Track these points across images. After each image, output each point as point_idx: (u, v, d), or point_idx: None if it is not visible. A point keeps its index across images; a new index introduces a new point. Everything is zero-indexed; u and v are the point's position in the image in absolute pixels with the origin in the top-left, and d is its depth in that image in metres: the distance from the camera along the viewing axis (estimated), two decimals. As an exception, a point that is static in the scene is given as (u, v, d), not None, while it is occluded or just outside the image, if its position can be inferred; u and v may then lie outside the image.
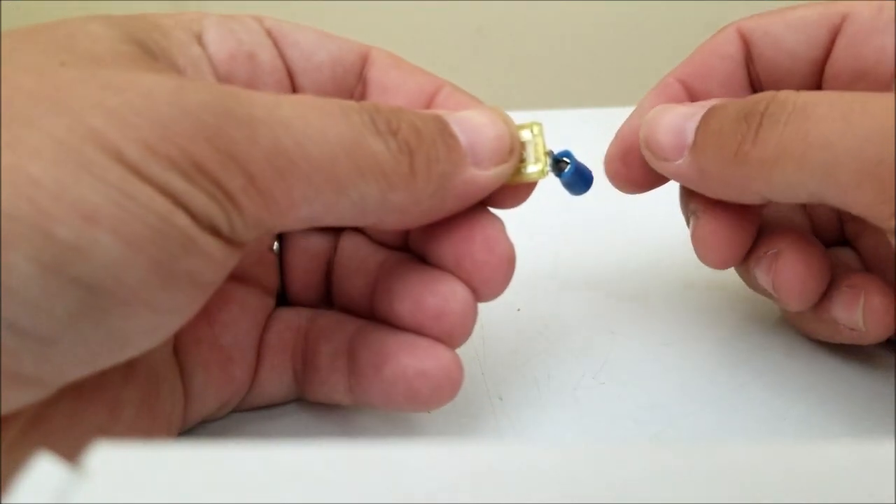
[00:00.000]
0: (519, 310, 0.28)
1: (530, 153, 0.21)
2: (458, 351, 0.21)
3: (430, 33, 0.93)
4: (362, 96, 0.23)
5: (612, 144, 0.25)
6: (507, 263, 0.20)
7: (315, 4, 0.84)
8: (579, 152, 0.23)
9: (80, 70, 0.16)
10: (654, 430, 0.23)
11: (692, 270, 0.29)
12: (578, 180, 0.23)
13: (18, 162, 0.14)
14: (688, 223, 0.25)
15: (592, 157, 0.25)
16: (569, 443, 0.22)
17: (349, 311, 0.23)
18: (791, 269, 0.23)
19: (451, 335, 0.20)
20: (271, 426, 0.23)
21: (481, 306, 0.21)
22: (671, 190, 0.25)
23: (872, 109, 0.18)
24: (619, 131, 0.25)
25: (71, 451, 0.11)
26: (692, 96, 0.25)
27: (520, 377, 0.25)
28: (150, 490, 0.10)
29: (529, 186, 0.22)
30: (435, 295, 0.20)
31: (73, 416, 0.17)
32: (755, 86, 0.25)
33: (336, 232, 0.24)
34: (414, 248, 0.23)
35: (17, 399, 0.15)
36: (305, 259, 0.24)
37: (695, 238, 0.24)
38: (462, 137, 0.20)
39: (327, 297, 0.24)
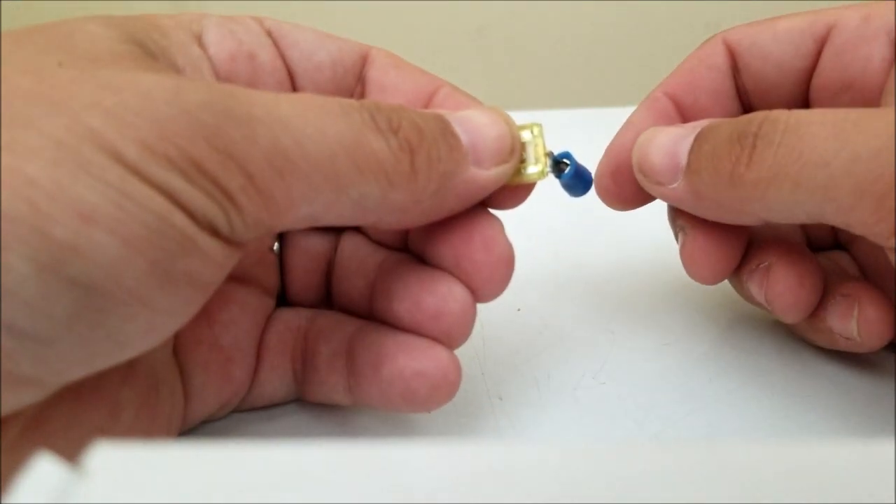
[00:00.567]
0: (519, 310, 0.28)
1: (530, 154, 0.21)
2: (458, 351, 0.21)
3: (430, 33, 0.93)
4: (361, 96, 0.23)
5: (601, 162, 0.25)
6: (506, 264, 0.20)
7: (315, 4, 0.84)
8: (578, 153, 0.23)
9: (79, 70, 0.16)
10: (654, 430, 0.23)
11: (692, 270, 0.29)
12: (578, 182, 0.23)
13: (16, 162, 0.14)
14: (676, 238, 0.25)
15: (592, 158, 0.25)
16: (569, 443, 0.22)
17: (349, 311, 0.23)
18: (783, 283, 0.22)
19: (450, 335, 0.20)
20: (271, 426, 0.23)
21: (481, 306, 0.21)
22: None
23: (866, 126, 0.18)
24: (609, 148, 0.25)
25: (71, 452, 0.11)
26: (680, 110, 0.25)
27: (520, 377, 0.25)
28: (150, 490, 0.10)
29: (529, 187, 0.22)
30: (433, 295, 0.20)
31: (72, 417, 0.17)
32: (743, 97, 0.25)
33: (336, 232, 0.24)
34: (413, 248, 0.23)
35: (15, 400, 0.15)
36: (306, 259, 0.24)
37: (683, 254, 0.24)
38: (463, 137, 0.20)
39: (327, 298, 0.24)
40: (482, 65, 0.96)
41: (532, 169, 0.21)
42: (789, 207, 0.19)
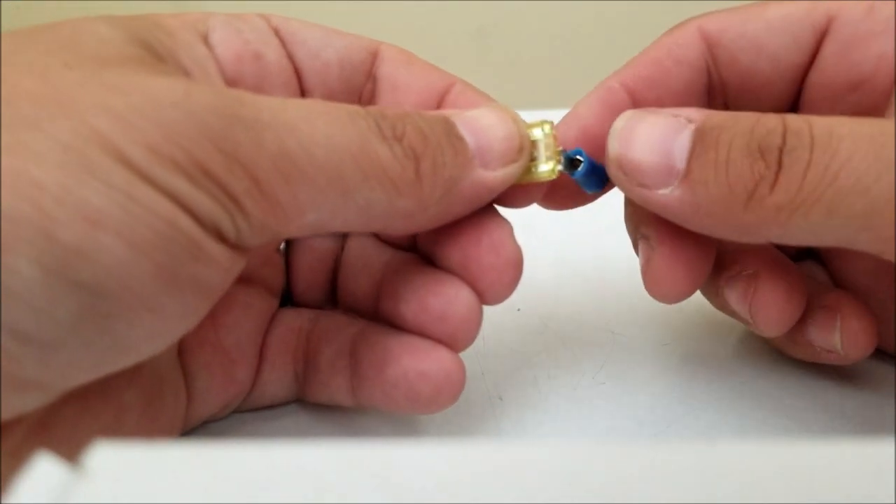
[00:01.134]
0: (519, 310, 0.28)
1: (541, 152, 0.20)
2: (458, 351, 0.21)
3: (430, 33, 0.93)
4: (372, 94, 0.22)
5: None
6: (514, 267, 0.20)
7: (314, 4, 0.84)
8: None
9: (85, 72, 0.16)
10: (654, 430, 0.23)
11: (692, 270, 0.29)
12: (592, 178, 0.21)
13: (22, 165, 0.14)
14: (635, 248, 0.22)
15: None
16: (569, 443, 0.22)
17: (353, 310, 0.23)
18: (770, 296, 0.21)
19: (455, 338, 0.20)
20: (271, 426, 0.23)
21: (481, 306, 0.21)
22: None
23: None
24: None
25: (75, 455, 0.11)
26: (637, 105, 0.22)
27: (520, 377, 0.25)
28: (150, 490, 0.10)
29: (541, 186, 0.21)
30: (439, 297, 0.20)
31: (77, 420, 0.17)
32: (715, 94, 0.22)
33: (343, 232, 0.24)
34: (422, 249, 0.22)
35: (19, 404, 0.15)
36: (312, 258, 0.24)
37: (648, 271, 0.21)
38: (470, 139, 0.19)
39: (331, 297, 0.24)
40: (482, 65, 0.96)
41: (543, 167, 0.20)
42: (815, 234, 0.17)
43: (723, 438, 0.22)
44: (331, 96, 0.22)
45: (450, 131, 0.19)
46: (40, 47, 0.17)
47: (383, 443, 0.11)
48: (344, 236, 0.24)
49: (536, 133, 0.21)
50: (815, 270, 0.25)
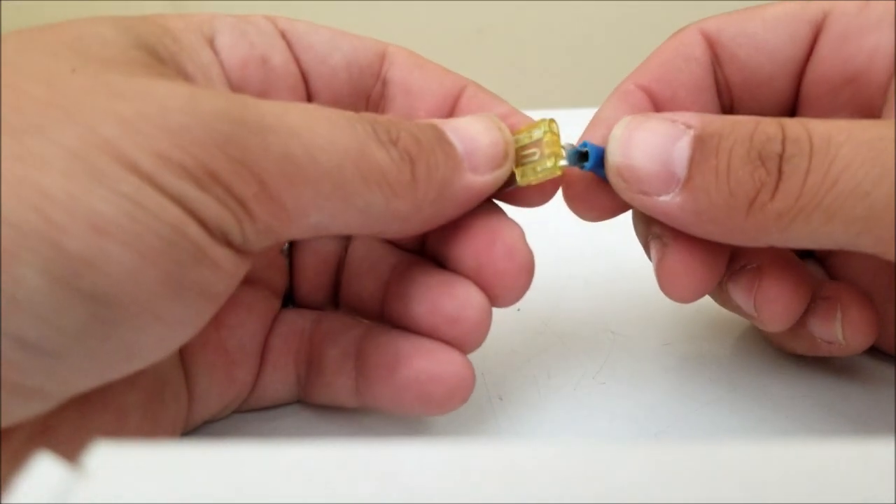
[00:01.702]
0: (519, 310, 0.28)
1: (544, 150, 0.20)
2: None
3: (430, 33, 0.93)
4: (381, 96, 0.23)
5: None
6: (527, 272, 0.20)
7: (315, 4, 0.84)
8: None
9: (92, 77, 0.16)
10: (654, 430, 0.23)
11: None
12: (603, 168, 0.21)
13: (29, 173, 0.14)
14: (646, 249, 0.22)
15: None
16: (569, 443, 0.22)
17: (356, 312, 0.23)
18: (775, 290, 0.21)
19: (465, 340, 0.20)
20: (272, 426, 0.23)
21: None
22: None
23: None
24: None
25: (76, 458, 0.11)
26: (656, 105, 0.22)
27: (520, 377, 0.25)
28: (150, 490, 0.10)
29: (554, 183, 0.21)
30: (452, 299, 0.20)
31: (79, 424, 0.17)
32: (722, 92, 0.23)
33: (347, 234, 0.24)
34: (431, 251, 0.22)
35: (22, 411, 0.15)
36: (316, 260, 0.24)
37: (662, 270, 0.21)
38: (458, 145, 0.20)
39: (333, 299, 0.24)
40: (482, 65, 0.96)
41: (546, 164, 0.20)
42: (815, 238, 0.17)
43: (723, 438, 0.22)
44: (337, 100, 0.22)
45: (440, 137, 0.19)
46: (45, 50, 0.16)
47: (383, 443, 0.11)
48: (348, 238, 0.24)
49: (536, 133, 0.21)
50: (814, 270, 0.25)
